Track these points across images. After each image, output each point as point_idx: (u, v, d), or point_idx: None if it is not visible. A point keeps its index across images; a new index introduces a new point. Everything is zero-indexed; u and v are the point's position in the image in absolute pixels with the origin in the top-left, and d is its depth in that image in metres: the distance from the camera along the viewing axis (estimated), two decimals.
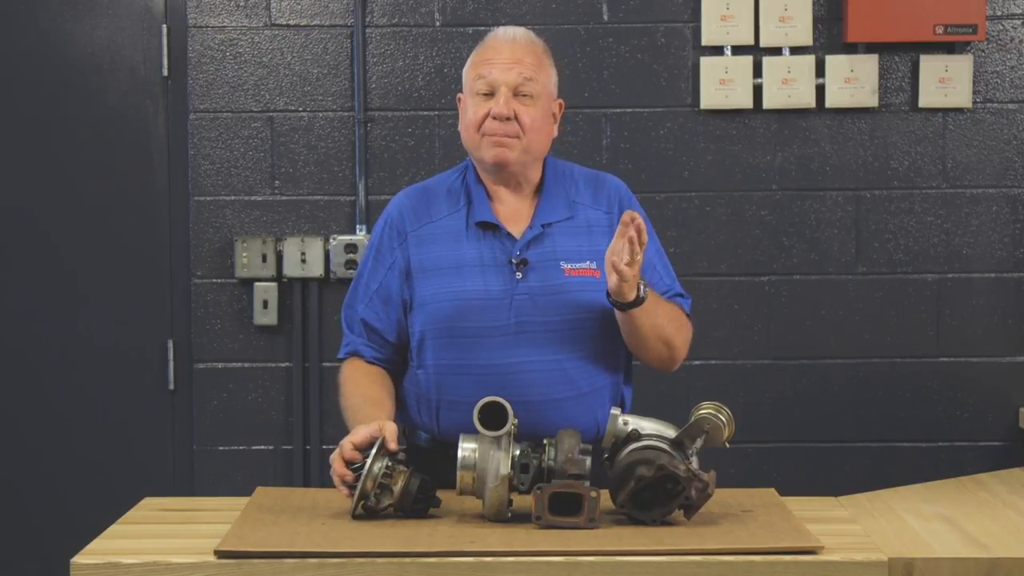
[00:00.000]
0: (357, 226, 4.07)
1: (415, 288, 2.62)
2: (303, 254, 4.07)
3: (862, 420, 4.11)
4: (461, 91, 2.70)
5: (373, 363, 2.68)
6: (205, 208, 4.11)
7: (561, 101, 2.73)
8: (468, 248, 2.62)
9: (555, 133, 2.72)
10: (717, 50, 4.05)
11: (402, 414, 2.70)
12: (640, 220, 2.41)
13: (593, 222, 2.65)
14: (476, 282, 2.59)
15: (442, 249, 2.63)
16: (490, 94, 2.61)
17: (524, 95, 2.61)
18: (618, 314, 2.54)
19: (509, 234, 2.63)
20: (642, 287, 2.48)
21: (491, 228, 2.63)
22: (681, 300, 2.70)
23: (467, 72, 2.68)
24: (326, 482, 4.05)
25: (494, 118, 2.59)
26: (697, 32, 4.06)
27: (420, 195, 2.72)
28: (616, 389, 2.66)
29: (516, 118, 2.60)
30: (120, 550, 2.19)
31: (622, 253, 2.41)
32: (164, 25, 4.12)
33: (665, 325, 2.59)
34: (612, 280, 2.45)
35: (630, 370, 2.73)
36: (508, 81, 2.61)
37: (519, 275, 2.60)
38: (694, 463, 2.30)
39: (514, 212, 2.66)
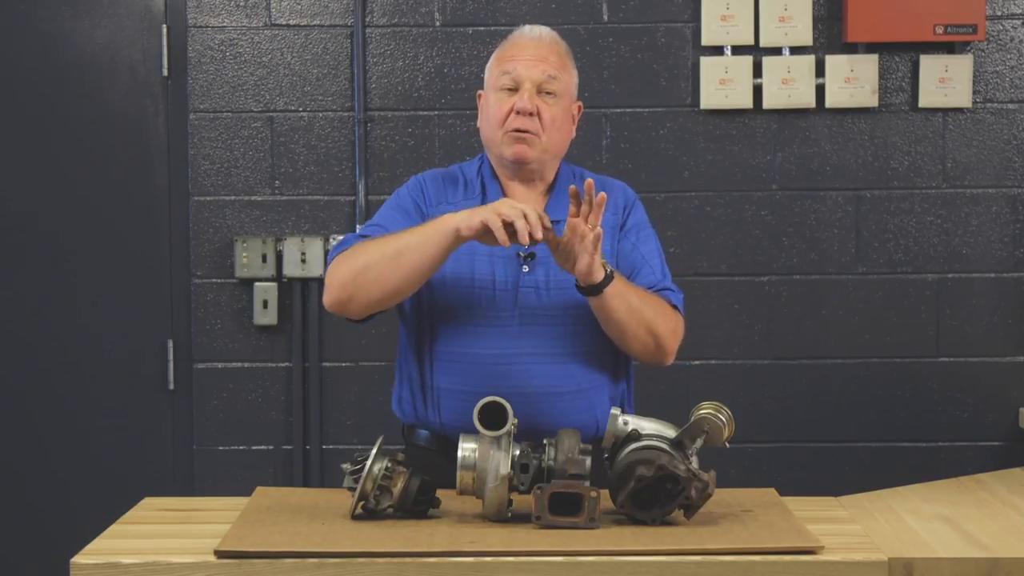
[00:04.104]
0: (357, 226, 4.07)
1: None
2: (303, 254, 4.07)
3: (862, 420, 4.11)
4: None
5: None
6: (205, 208, 4.11)
7: (580, 103, 2.75)
8: None
9: (574, 134, 2.73)
10: (717, 50, 4.05)
11: (402, 409, 2.70)
12: (602, 196, 2.42)
13: (601, 223, 2.65)
14: (484, 271, 2.60)
15: None
16: (514, 89, 2.63)
17: (547, 92, 2.63)
18: (593, 303, 2.53)
19: None
20: (607, 266, 2.48)
21: None
22: (670, 294, 2.68)
23: (490, 68, 2.70)
24: (326, 482, 4.08)
25: (518, 112, 2.61)
26: (697, 32, 4.06)
27: (441, 177, 2.74)
28: (616, 387, 2.66)
29: (537, 115, 2.61)
30: (120, 550, 2.19)
31: (584, 224, 2.41)
32: (164, 25, 4.12)
33: (642, 308, 2.56)
34: (583, 260, 2.43)
35: (631, 370, 2.73)
36: (532, 77, 2.62)
37: (526, 268, 2.61)
38: (694, 463, 2.30)
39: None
